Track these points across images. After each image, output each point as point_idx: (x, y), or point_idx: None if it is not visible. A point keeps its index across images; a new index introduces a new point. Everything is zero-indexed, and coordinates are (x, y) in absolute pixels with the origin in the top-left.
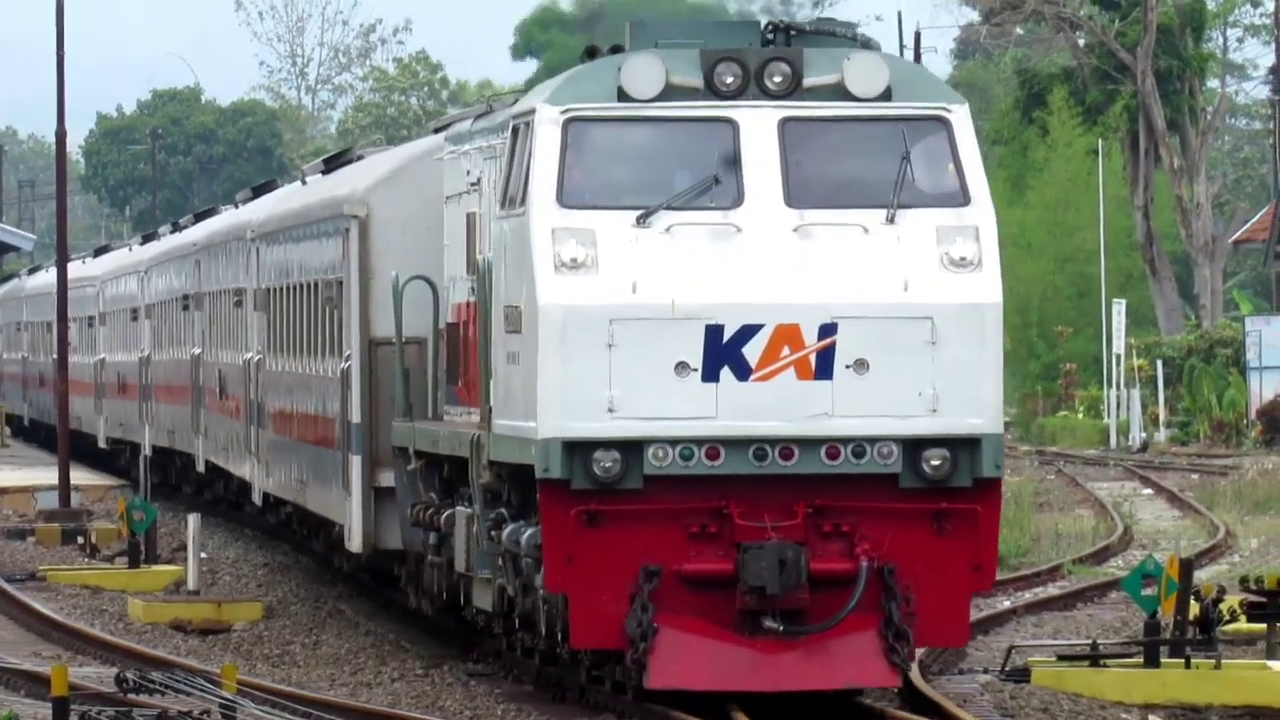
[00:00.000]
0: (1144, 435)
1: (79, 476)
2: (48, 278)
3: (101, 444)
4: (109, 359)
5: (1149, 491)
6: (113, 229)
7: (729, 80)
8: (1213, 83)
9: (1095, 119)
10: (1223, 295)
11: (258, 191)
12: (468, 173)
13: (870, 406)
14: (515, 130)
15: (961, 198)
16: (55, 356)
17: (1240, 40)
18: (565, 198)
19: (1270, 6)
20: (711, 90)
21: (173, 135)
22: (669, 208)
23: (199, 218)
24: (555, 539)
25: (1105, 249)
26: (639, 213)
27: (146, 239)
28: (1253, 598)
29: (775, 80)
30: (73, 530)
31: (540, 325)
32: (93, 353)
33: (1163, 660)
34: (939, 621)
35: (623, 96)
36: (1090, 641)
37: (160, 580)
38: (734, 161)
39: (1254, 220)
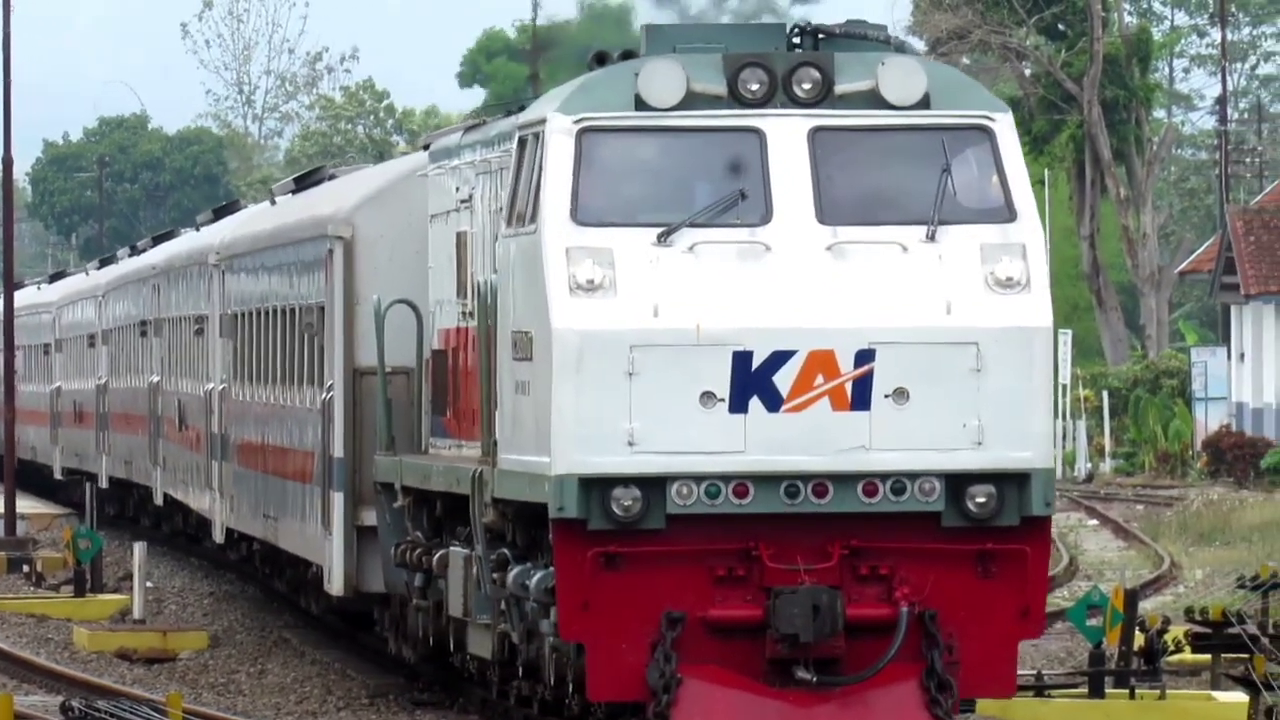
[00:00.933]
0: (1089, 466)
1: (25, 505)
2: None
3: (58, 474)
4: (65, 387)
5: (1094, 522)
6: (59, 257)
7: (755, 87)
8: (1159, 113)
9: (1042, 149)
10: (1168, 326)
11: (219, 213)
12: (456, 189)
13: (911, 439)
14: (522, 142)
15: (1007, 213)
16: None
17: (1186, 71)
18: (580, 214)
19: (1216, 37)
20: (736, 98)
21: (119, 163)
22: (692, 225)
23: (157, 240)
24: (570, 584)
25: (1052, 279)
26: (660, 230)
27: (104, 263)
28: (1197, 629)
29: (804, 87)
30: (18, 559)
31: (554, 352)
32: (48, 381)
33: (1107, 691)
34: (984, 671)
35: (640, 105)
36: (1035, 672)
37: (106, 609)
38: (761, 175)
39: (1200, 251)
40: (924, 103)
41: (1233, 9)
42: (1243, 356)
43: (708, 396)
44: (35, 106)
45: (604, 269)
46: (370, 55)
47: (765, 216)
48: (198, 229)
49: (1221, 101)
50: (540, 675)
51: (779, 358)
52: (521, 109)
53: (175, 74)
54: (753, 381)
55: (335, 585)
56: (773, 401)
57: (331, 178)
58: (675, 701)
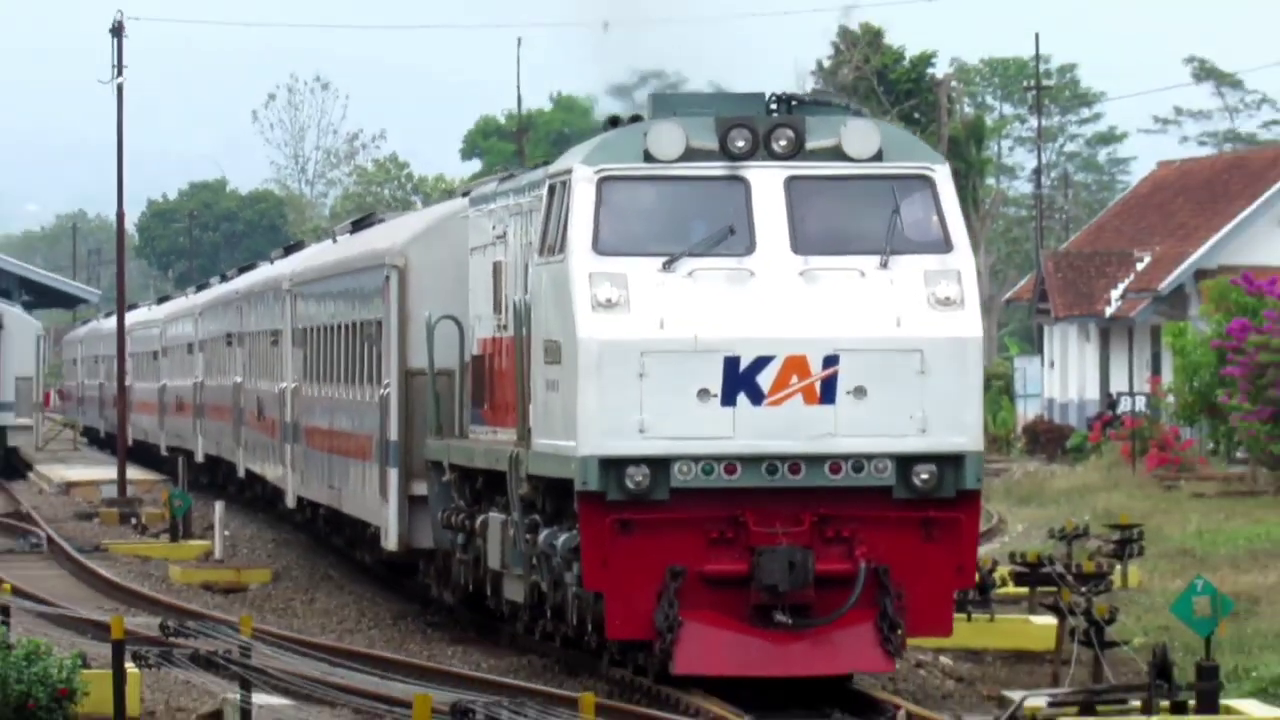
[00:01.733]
0: None
1: (134, 473)
2: (108, 323)
3: (163, 452)
4: (169, 384)
5: None
6: (159, 287)
7: (740, 144)
8: (990, 180)
9: None
10: (997, 340)
11: (288, 250)
12: (493, 228)
13: (868, 427)
14: (552, 188)
15: (945, 245)
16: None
17: (1011, 148)
18: (600, 246)
19: (1034, 123)
20: (725, 153)
21: (205, 216)
22: (690, 254)
23: (241, 272)
24: (592, 544)
25: None
26: (664, 259)
27: (200, 288)
28: (1018, 568)
29: (781, 144)
30: (127, 513)
31: (580, 357)
32: (156, 379)
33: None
34: (927, 615)
35: (648, 158)
36: None
37: (194, 552)
38: (746, 214)
39: (1021, 284)
40: (878, 156)
41: (1046, 101)
42: (1053, 364)
43: (703, 393)
44: (142, 171)
45: (619, 290)
46: (395, 135)
47: (750, 248)
48: (272, 262)
49: (1038, 172)
50: (564, 616)
51: (761, 361)
52: (545, 164)
53: (247, 148)
54: (740, 381)
55: (391, 542)
56: (756, 397)
57: (381, 220)
58: (677, 639)
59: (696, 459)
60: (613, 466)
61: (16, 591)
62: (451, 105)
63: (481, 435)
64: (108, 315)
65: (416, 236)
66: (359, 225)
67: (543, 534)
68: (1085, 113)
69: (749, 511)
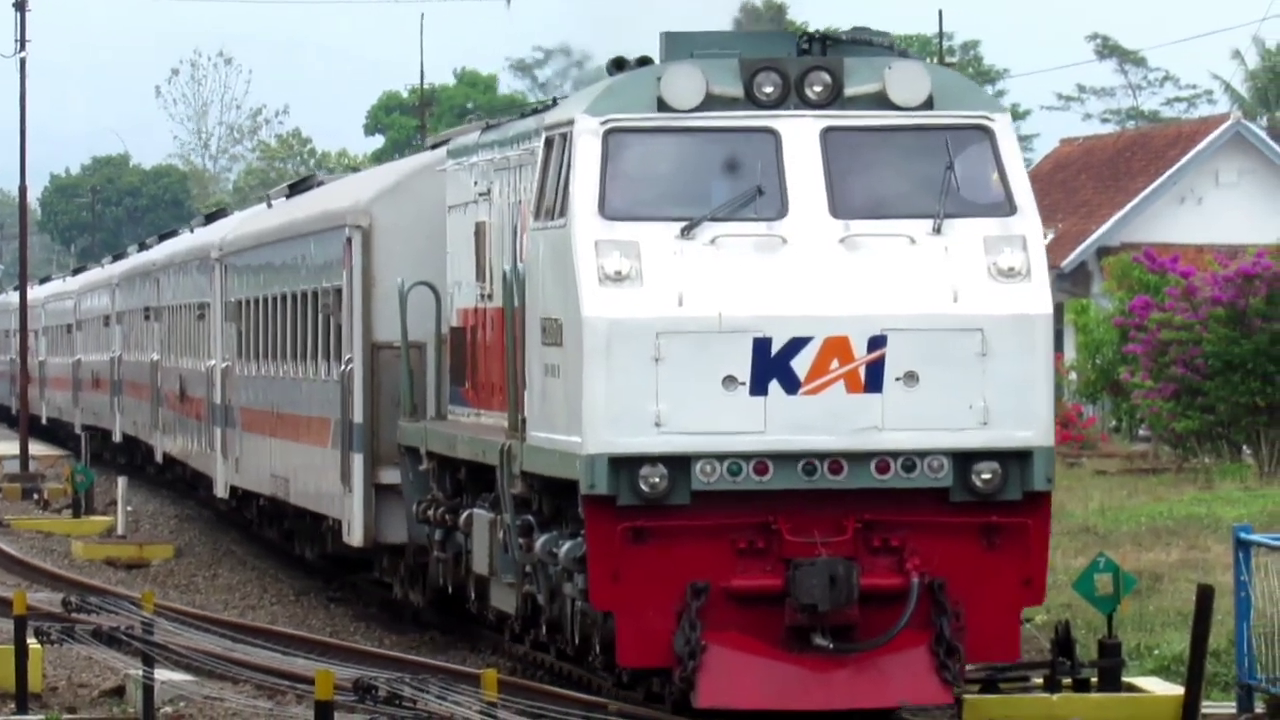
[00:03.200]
0: None
1: (37, 449)
2: (40, 294)
3: (78, 430)
4: (84, 359)
5: None
6: (62, 261)
7: (769, 90)
8: None
9: None
10: None
11: (211, 218)
12: (475, 183)
13: (920, 419)
14: (549, 141)
15: (1008, 207)
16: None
17: None
18: (607, 209)
19: None
20: (752, 100)
21: (108, 191)
22: (713, 219)
23: (162, 238)
24: (601, 555)
25: None
26: (683, 224)
27: (116, 258)
28: None
29: (816, 90)
30: (30, 488)
31: (585, 338)
32: (70, 354)
33: None
34: (989, 637)
35: (662, 107)
36: None
37: (96, 527)
38: (777, 172)
39: None
40: (928, 104)
41: None
42: None
43: (730, 380)
44: (44, 146)
45: (631, 261)
46: (297, 110)
47: (781, 211)
48: (192, 230)
49: None
50: (561, 630)
51: (797, 344)
52: (535, 112)
53: (150, 123)
54: (772, 366)
55: (355, 537)
56: (791, 385)
57: (321, 183)
58: (700, 667)
59: (722, 457)
60: (624, 466)
61: None
62: (354, 81)
63: (463, 417)
64: (16, 290)
65: (383, 192)
66: (296, 188)
67: (540, 539)
68: (989, 90)
69: (783, 518)
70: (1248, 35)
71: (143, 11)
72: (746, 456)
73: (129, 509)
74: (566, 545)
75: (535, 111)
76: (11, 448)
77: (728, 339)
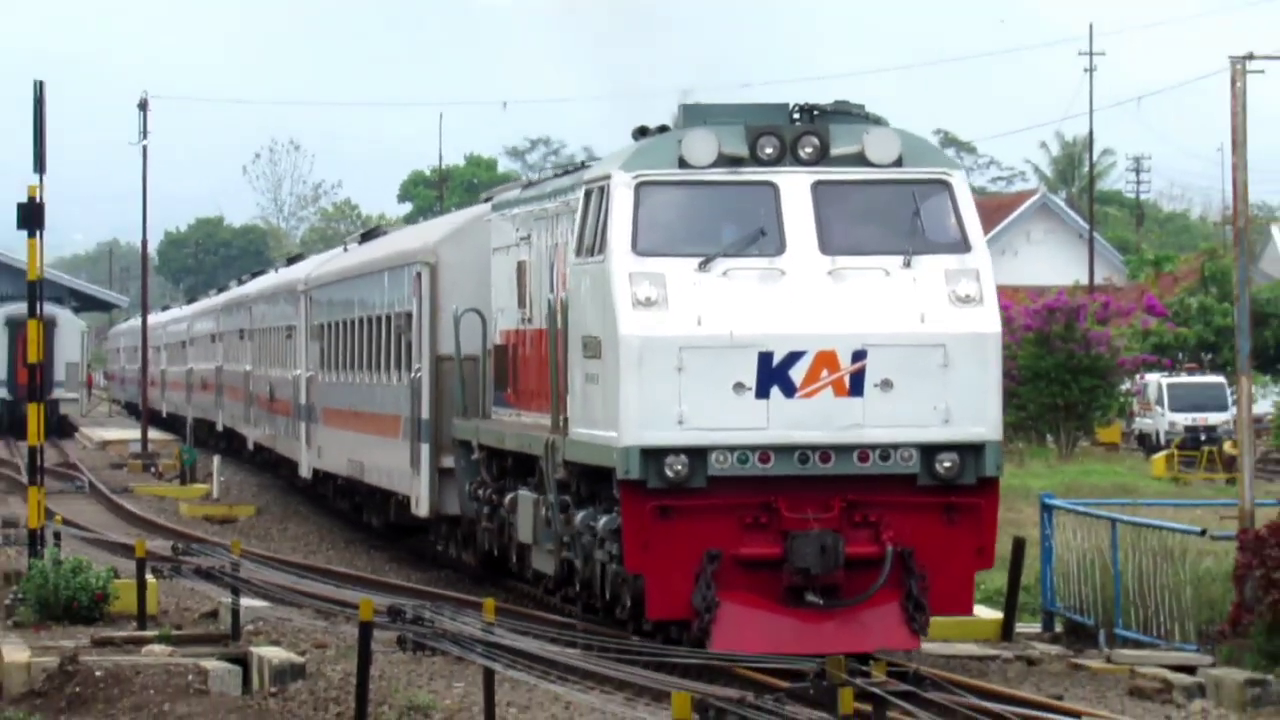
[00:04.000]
0: None
1: (154, 434)
2: (148, 320)
3: (190, 423)
4: (195, 368)
5: None
6: (172, 296)
7: (769, 150)
8: None
9: None
10: None
11: (291, 261)
12: (517, 230)
13: (894, 418)
14: (588, 193)
15: (964, 246)
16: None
17: None
18: (639, 247)
19: None
20: (755, 159)
21: (207, 244)
22: (724, 255)
23: (253, 276)
24: (634, 528)
25: None
26: (700, 259)
27: (220, 290)
28: None
29: (807, 151)
30: (148, 464)
31: (622, 352)
32: (184, 364)
33: None
34: (949, 596)
35: (682, 164)
36: None
37: (197, 493)
38: (776, 217)
39: None
40: (898, 162)
41: None
42: None
43: (739, 386)
44: (160, 208)
45: (658, 289)
46: (348, 184)
47: (780, 248)
48: (276, 270)
49: None
50: (592, 589)
51: (793, 356)
52: (567, 172)
53: (240, 192)
54: (773, 375)
55: (423, 509)
56: (789, 390)
57: (385, 233)
58: (715, 619)
59: (732, 449)
60: (653, 456)
61: (65, 521)
62: (390, 162)
63: (505, 417)
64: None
65: (445, 237)
66: (367, 236)
67: (579, 515)
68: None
69: (781, 498)
70: (1051, 130)
71: (234, 108)
72: (752, 448)
73: (221, 479)
74: (604, 520)
75: (568, 172)
76: (135, 433)
77: (737, 352)
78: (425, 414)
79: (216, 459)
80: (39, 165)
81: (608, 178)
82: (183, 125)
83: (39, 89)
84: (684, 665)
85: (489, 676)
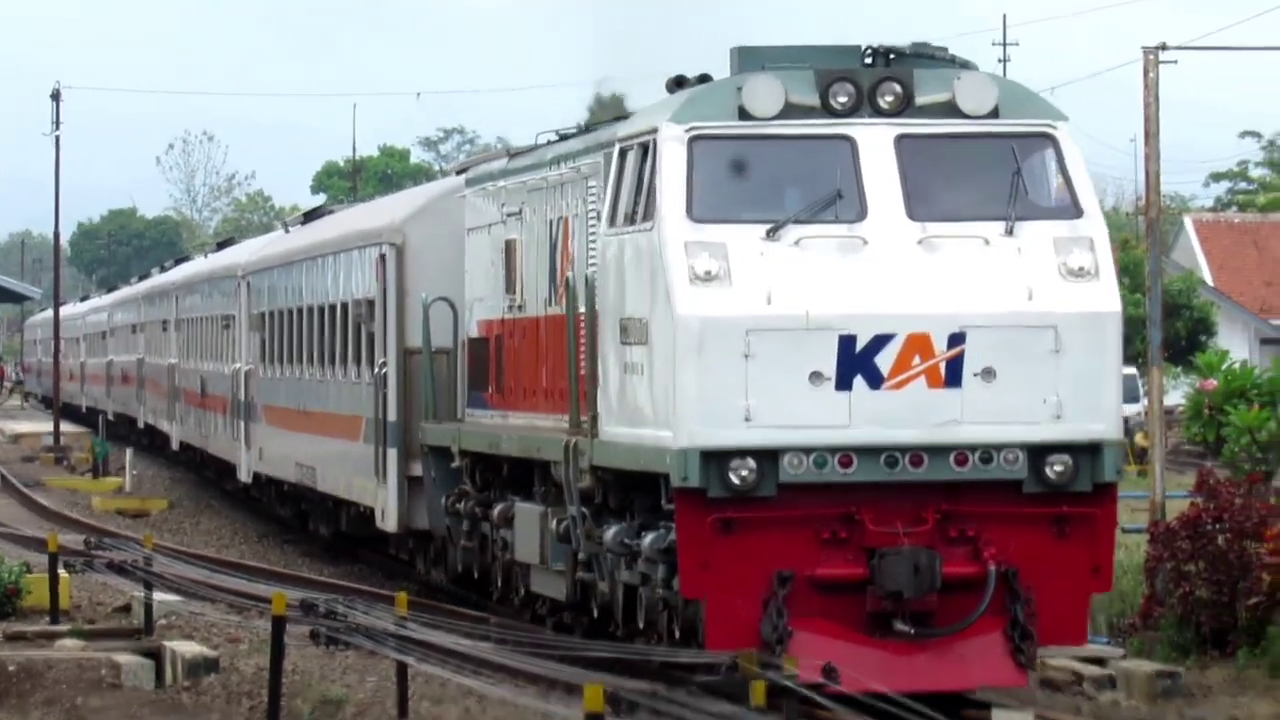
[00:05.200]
0: None
1: (67, 427)
2: (65, 310)
3: (110, 418)
4: (115, 359)
5: None
6: (85, 288)
7: (844, 99)
8: None
9: None
10: None
11: (221, 246)
12: (503, 205)
13: (997, 414)
14: (623, 152)
15: (1074, 210)
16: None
17: None
18: (695, 212)
19: None
20: (827, 109)
21: (120, 235)
22: (796, 221)
23: (177, 263)
24: (691, 545)
25: None
26: (768, 226)
27: (142, 278)
28: None
29: (887, 99)
30: (60, 457)
31: (678, 336)
32: (104, 355)
33: None
34: (1060, 622)
35: (743, 115)
36: None
37: (110, 486)
38: (855, 177)
39: None
40: (994, 113)
41: None
42: None
43: (816, 376)
44: (71, 200)
45: (719, 261)
46: (261, 175)
47: (861, 214)
48: (206, 256)
49: None
50: (611, 615)
51: (880, 340)
52: (575, 135)
53: (152, 184)
54: (856, 362)
55: (390, 523)
56: (874, 380)
57: (331, 212)
58: (788, 651)
59: (808, 450)
60: (715, 460)
61: None
62: (303, 153)
63: (484, 419)
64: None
65: (414, 214)
66: (310, 216)
67: (609, 530)
68: None
69: (865, 508)
70: None
71: (148, 99)
72: (832, 449)
73: (134, 473)
74: (650, 536)
75: (578, 133)
76: (49, 426)
77: (814, 336)
78: (392, 415)
79: (129, 452)
80: None
81: (653, 131)
82: (96, 116)
83: None
84: (599, 659)
85: (401, 670)
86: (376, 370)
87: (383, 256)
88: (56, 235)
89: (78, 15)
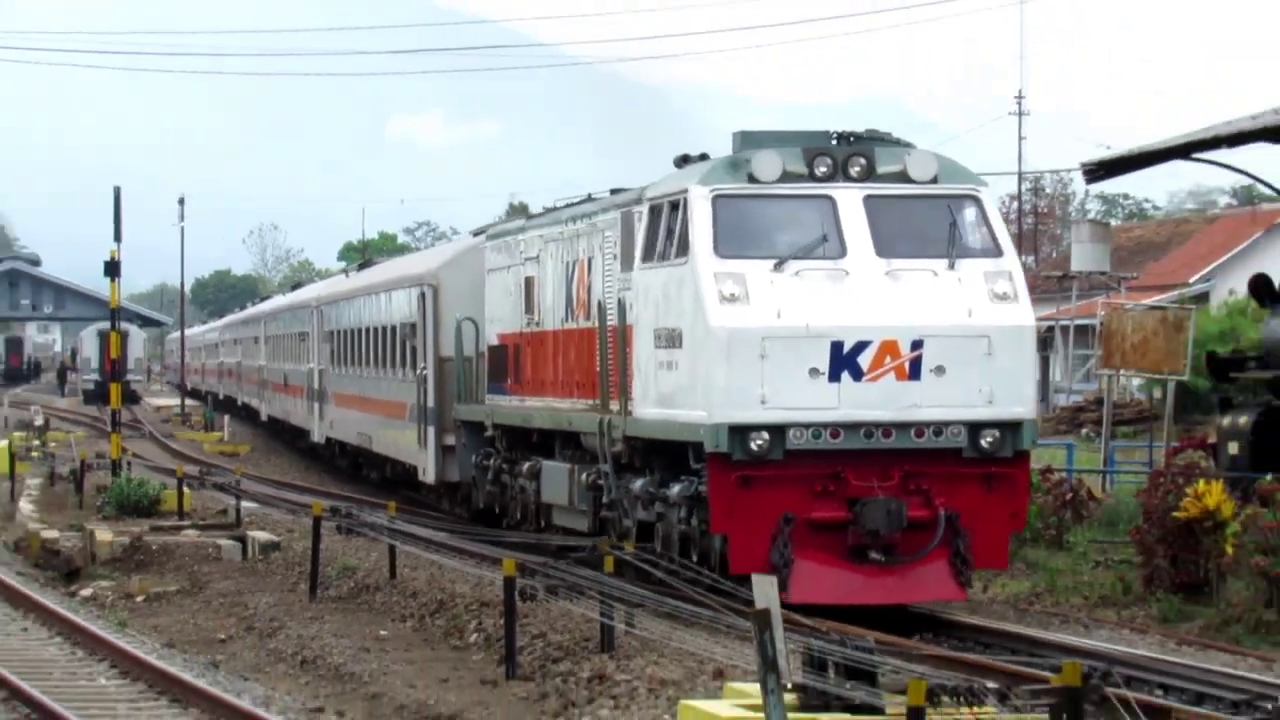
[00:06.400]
0: None
1: (190, 403)
2: (188, 331)
3: (220, 398)
4: (222, 361)
5: None
6: (199, 318)
7: (824, 169)
8: None
9: None
10: None
11: (294, 287)
12: (521, 252)
13: (946, 400)
14: (655, 209)
15: (997, 251)
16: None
17: None
18: (720, 250)
19: None
20: (813, 176)
21: (220, 284)
22: (794, 258)
23: (262, 299)
24: (719, 495)
25: None
26: (774, 261)
27: (241, 308)
28: None
29: (856, 169)
30: (184, 419)
31: (711, 342)
32: (215, 359)
33: None
34: (989, 553)
35: (752, 179)
36: None
37: (215, 437)
38: (836, 225)
39: None
40: (935, 179)
41: None
42: None
43: (814, 371)
44: (191, 263)
45: (740, 287)
46: (306, 249)
47: (842, 252)
48: (284, 294)
49: None
50: (626, 538)
51: (861, 345)
52: (581, 203)
53: (239, 253)
54: (844, 361)
55: (429, 477)
56: (857, 374)
57: (375, 263)
58: (791, 574)
59: (807, 426)
60: (738, 432)
61: (135, 455)
62: (331, 234)
63: (503, 402)
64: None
65: (446, 262)
66: (362, 266)
67: (636, 482)
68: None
69: (849, 469)
70: None
71: (239, 199)
72: (825, 426)
73: (231, 430)
74: (678, 487)
75: (588, 200)
76: (177, 401)
77: (812, 342)
78: (431, 403)
79: (227, 418)
80: (117, 237)
81: (684, 191)
82: (206, 210)
83: (117, 192)
84: (522, 544)
85: (392, 550)
86: (419, 372)
87: (423, 293)
88: (181, 285)
89: (201, 138)
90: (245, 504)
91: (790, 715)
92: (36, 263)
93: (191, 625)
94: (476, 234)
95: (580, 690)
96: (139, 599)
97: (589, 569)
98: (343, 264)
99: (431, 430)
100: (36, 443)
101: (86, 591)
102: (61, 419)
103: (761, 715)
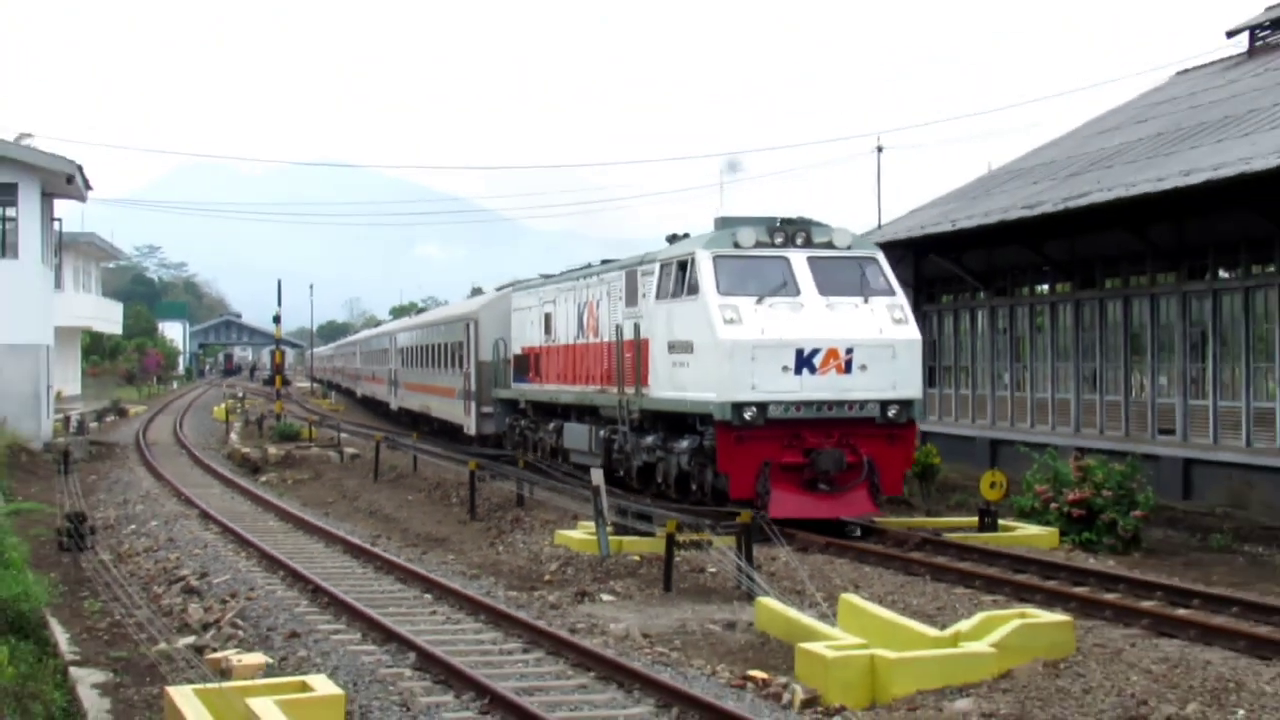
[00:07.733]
0: None
1: (316, 386)
2: (316, 350)
3: (341, 389)
4: (336, 365)
5: None
6: (319, 343)
7: (779, 240)
8: None
9: None
10: None
11: (375, 325)
12: (540, 298)
13: (868, 387)
14: (665, 265)
15: (892, 292)
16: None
17: None
18: (721, 290)
19: None
20: (774, 244)
21: (330, 327)
22: (768, 296)
23: (357, 331)
24: (725, 448)
25: None
26: (756, 298)
27: (347, 334)
28: None
29: (799, 240)
30: (314, 394)
31: (718, 350)
32: (331, 364)
33: None
34: (891, 485)
35: (737, 245)
36: None
37: (328, 403)
38: (791, 276)
39: None
40: (850, 247)
41: None
42: None
43: (784, 368)
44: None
45: (735, 313)
46: (370, 308)
47: (796, 292)
48: (369, 329)
49: None
50: (630, 478)
51: (814, 351)
52: (585, 267)
53: (340, 311)
54: (803, 361)
55: (471, 431)
56: (812, 370)
57: (426, 310)
58: (770, 499)
59: (781, 403)
60: (736, 407)
61: (287, 411)
62: (386, 300)
63: (525, 388)
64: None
65: (484, 305)
66: (419, 312)
67: (647, 438)
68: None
69: (806, 431)
70: None
71: (322, 281)
72: (792, 403)
73: (337, 400)
74: (685, 442)
75: (583, 268)
76: (309, 385)
77: (784, 349)
78: (473, 388)
79: (333, 393)
80: (279, 302)
81: (692, 253)
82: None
83: (279, 285)
84: (481, 455)
85: (415, 458)
86: (464, 370)
87: (468, 325)
88: (312, 327)
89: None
90: (345, 435)
91: (610, 537)
92: (239, 316)
93: (315, 495)
94: (500, 289)
95: (507, 524)
96: (289, 482)
97: (512, 465)
98: (391, 317)
99: (473, 403)
100: (238, 406)
101: (263, 478)
102: (253, 394)
103: (596, 537)
